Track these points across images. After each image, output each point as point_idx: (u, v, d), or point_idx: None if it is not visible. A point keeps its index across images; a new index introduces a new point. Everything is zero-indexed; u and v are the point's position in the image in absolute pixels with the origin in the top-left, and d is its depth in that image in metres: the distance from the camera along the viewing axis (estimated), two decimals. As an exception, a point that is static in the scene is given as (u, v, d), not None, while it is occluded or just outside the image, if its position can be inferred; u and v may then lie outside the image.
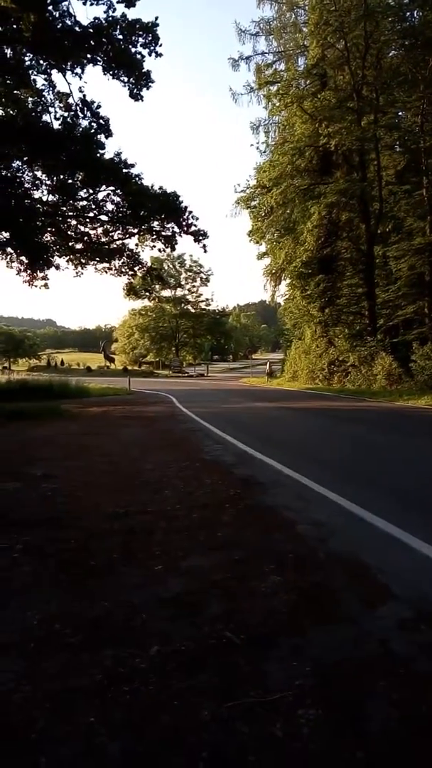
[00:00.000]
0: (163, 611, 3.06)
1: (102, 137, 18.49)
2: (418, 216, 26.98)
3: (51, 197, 19.54)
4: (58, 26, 16.92)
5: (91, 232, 21.08)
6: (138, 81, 18.33)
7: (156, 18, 17.93)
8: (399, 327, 29.05)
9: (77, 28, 17.25)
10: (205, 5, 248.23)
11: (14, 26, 15.96)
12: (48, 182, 19.03)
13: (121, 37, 17.85)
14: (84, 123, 18.55)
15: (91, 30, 17.38)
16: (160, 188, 19.53)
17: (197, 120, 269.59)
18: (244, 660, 2.53)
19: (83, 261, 21.58)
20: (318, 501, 5.37)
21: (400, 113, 29.40)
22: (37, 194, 19.31)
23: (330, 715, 2.14)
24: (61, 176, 18.30)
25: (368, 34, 24.99)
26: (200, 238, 20.80)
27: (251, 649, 2.61)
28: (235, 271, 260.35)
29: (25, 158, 18.05)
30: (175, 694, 2.29)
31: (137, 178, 19.10)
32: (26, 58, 17.77)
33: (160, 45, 18.08)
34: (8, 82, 17.82)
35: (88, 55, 17.71)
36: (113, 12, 17.45)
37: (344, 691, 2.29)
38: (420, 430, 11.50)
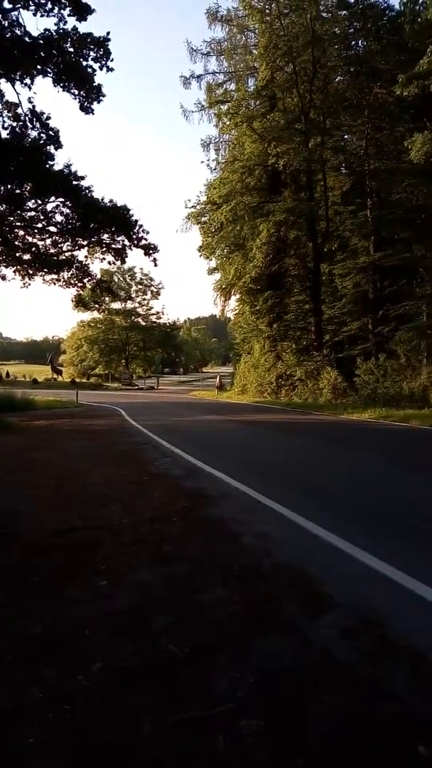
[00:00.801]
0: (107, 627, 3.02)
1: (51, 148, 18.35)
2: (363, 236, 27.87)
3: (-2, 207, 19.18)
4: (7, 35, 16.75)
5: (40, 243, 20.79)
6: (89, 94, 18.32)
7: (108, 33, 18.02)
8: (344, 342, 29.77)
9: (27, 39, 17.13)
10: (158, 22, 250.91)
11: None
12: (-5, 191, 18.69)
13: (72, 49, 17.83)
14: (33, 134, 18.39)
15: (41, 41, 17.30)
16: (111, 201, 19.49)
17: (149, 135, 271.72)
18: (188, 673, 2.53)
19: (31, 272, 21.22)
20: (265, 512, 5.43)
21: (345, 136, 30.40)
22: (-18, 203, 18.93)
23: (272, 725, 2.16)
24: (9, 186, 17.99)
25: (316, 59, 25.78)
26: (151, 251, 20.84)
27: (195, 662, 2.62)
28: (186, 285, 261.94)
29: (-29, 166, 17.69)
30: (117, 710, 2.27)
31: (87, 190, 19.00)
32: (-27, 67, 17.48)
33: (112, 59, 18.15)
34: None
35: (38, 66, 17.59)
36: (64, 24, 17.42)
37: (287, 700, 2.32)
38: (363, 443, 11.79)
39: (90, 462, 8.66)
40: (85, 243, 21.02)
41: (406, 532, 4.77)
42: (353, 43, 28.02)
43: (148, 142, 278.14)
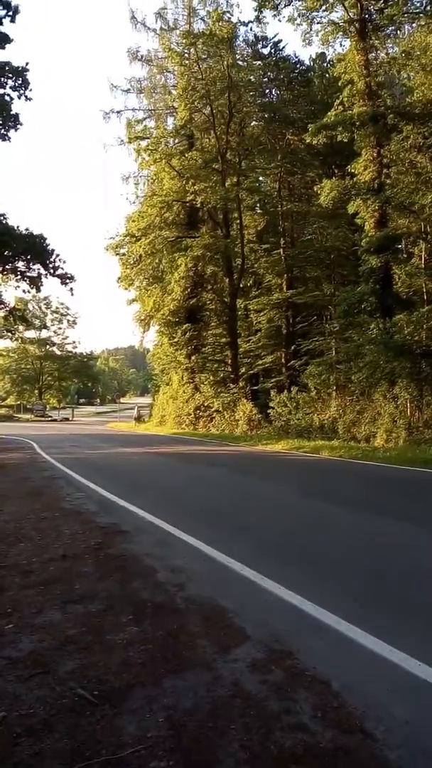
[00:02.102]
0: (12, 673, 2.92)
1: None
2: (276, 273, 29.05)
3: None
4: None
5: None
6: (5, 122, 18.15)
7: (27, 63, 18.03)
8: (259, 375, 30.62)
9: None
10: (80, 55, 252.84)
11: None
12: None
13: (-12, 78, 17.67)
14: None
15: None
16: (27, 229, 19.23)
17: (70, 163, 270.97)
18: (97, 717, 2.48)
19: None
20: (179, 546, 5.43)
21: (260, 178, 31.79)
22: None
23: (182, 765, 2.16)
24: None
25: (232, 104, 26.90)
26: (67, 281, 20.66)
27: (105, 705, 2.58)
28: (105, 315, 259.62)
29: None
30: (22, 761, 2.19)
31: (2, 218, 18.64)
32: None
33: (30, 89, 18.15)
34: None
35: None
36: (-20, 52, 17.26)
37: (197, 737, 2.33)
38: (276, 474, 12.06)
39: (-2, 498, 8.32)
40: (-2, 270, 20.50)
41: (309, 562, 4.94)
42: (267, 91, 29.62)
43: (70, 172, 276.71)
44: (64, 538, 5.76)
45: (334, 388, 20.49)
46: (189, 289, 29.59)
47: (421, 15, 20.18)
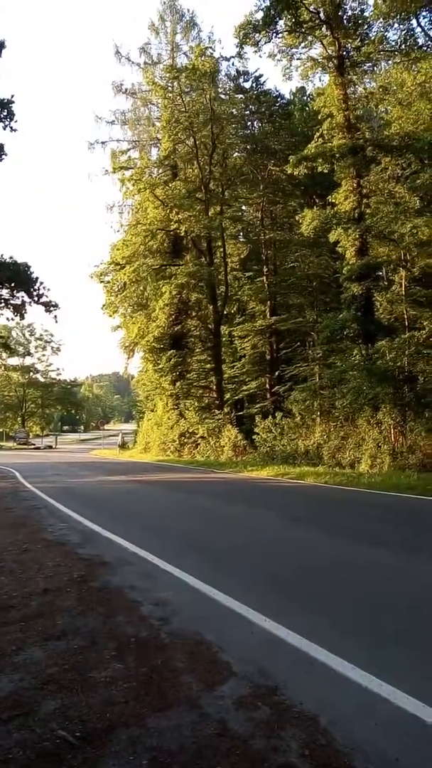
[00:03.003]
0: (-9, 715, 2.83)
1: None
2: (260, 300, 29.35)
3: None
4: None
5: None
6: (-11, 153, 18.35)
7: (12, 96, 18.34)
8: (244, 401, 30.64)
9: None
10: (66, 87, 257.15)
11: None
12: None
13: (-27, 108, 17.90)
14: None
15: None
16: (11, 257, 19.31)
17: (54, 192, 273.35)
18: (80, 761, 2.41)
19: None
20: (163, 578, 5.35)
21: (243, 207, 32.31)
22: None
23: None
24: None
25: (215, 135, 27.48)
26: (51, 308, 20.72)
27: (87, 748, 2.50)
28: (89, 341, 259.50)
29: None
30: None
31: (-14, 246, 18.69)
32: None
33: (16, 121, 18.43)
34: None
35: None
36: (-34, 85, 17.52)
37: (181, 780, 2.27)
38: (261, 502, 11.99)
39: (-21, 530, 8.16)
40: (-19, 298, 20.49)
41: (295, 593, 4.89)
42: (249, 123, 30.29)
43: (54, 200, 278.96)
44: (46, 570, 5.64)
45: (319, 413, 20.55)
46: (173, 316, 29.77)
47: (396, 53, 20.88)
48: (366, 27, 20.61)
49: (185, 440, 28.30)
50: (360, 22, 20.59)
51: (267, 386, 28.58)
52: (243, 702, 2.90)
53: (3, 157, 18.97)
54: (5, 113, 18.26)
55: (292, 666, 3.37)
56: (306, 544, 7.01)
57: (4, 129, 18.48)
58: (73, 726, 2.69)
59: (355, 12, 20.78)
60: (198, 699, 2.94)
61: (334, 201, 20.65)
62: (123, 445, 42.50)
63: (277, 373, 27.73)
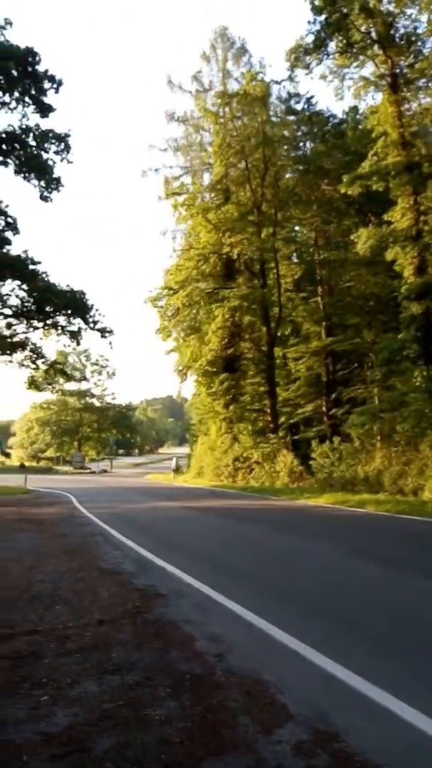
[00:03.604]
0: (47, 750, 2.76)
1: (9, 234, 18.81)
2: (315, 321, 29.03)
3: None
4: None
5: (-7, 325, 20.80)
6: (48, 185, 19.12)
7: (69, 130, 19.09)
8: (300, 424, 30.19)
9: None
10: (120, 117, 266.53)
11: None
12: None
13: (33, 143, 18.72)
14: (-9, 220, 18.86)
15: (3, 135, 18.12)
16: (68, 285, 19.91)
17: (110, 220, 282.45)
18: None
19: (-18, 354, 21.07)
20: (218, 612, 5.22)
21: (296, 228, 32.28)
22: None
23: None
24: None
25: (266, 158, 27.71)
26: (106, 334, 21.15)
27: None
28: (143, 365, 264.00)
29: None
30: None
31: (44, 275, 19.39)
32: None
33: (72, 153, 19.17)
34: None
35: (0, 158, 18.33)
36: (27, 121, 18.39)
37: None
38: (320, 532, 11.65)
39: (36, 555, 8.24)
40: (40, 325, 21.16)
41: (359, 630, 4.65)
42: (301, 144, 30.40)
43: (109, 228, 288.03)
44: (101, 600, 5.61)
45: (378, 438, 19.94)
46: (226, 339, 29.83)
47: (451, 67, 20.54)
48: (419, 43, 20.46)
49: (239, 465, 28.06)
50: (413, 39, 20.45)
51: (323, 409, 28.10)
52: (301, 748, 2.73)
53: (60, 188, 19.68)
54: (62, 146, 19.01)
55: (353, 710, 3.18)
56: (368, 579, 6.71)
57: (61, 161, 19.25)
58: (128, 766, 2.58)
59: (408, 30, 20.67)
60: (254, 743, 2.80)
61: (390, 219, 20.35)
62: (177, 470, 42.53)
63: (333, 396, 27.24)
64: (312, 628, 4.66)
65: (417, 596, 5.76)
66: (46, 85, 18.31)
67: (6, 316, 20.62)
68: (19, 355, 21.79)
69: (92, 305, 20.50)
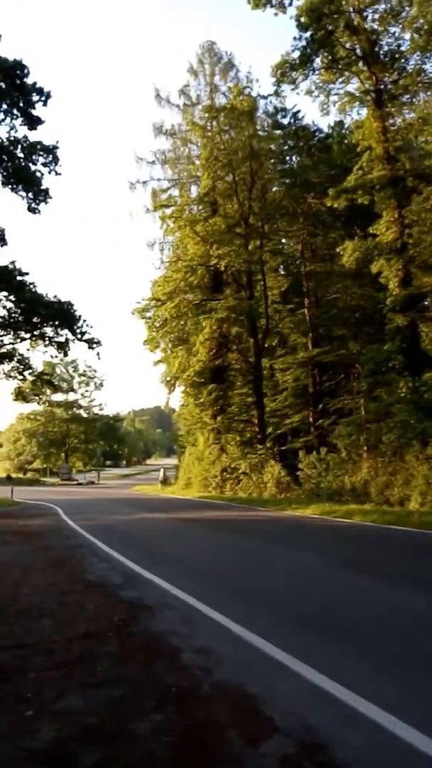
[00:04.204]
0: (31, 766, 2.73)
1: (-3, 245, 18.77)
2: (301, 332, 29.21)
3: None
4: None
5: (-21, 336, 20.69)
6: (36, 196, 19.13)
7: (57, 141, 19.15)
8: (287, 435, 30.24)
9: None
10: (107, 130, 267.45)
11: None
12: None
13: (21, 155, 18.76)
14: (-22, 231, 18.82)
15: (-10, 146, 18.15)
16: (55, 296, 19.88)
17: (97, 232, 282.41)
18: None
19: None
20: (205, 625, 5.19)
21: (283, 240, 32.57)
22: None
23: None
24: None
25: (253, 171, 27.99)
26: (94, 345, 21.11)
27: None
28: (131, 375, 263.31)
29: None
30: None
31: (31, 286, 19.35)
32: None
33: (60, 165, 19.21)
34: None
35: (-12, 169, 18.33)
36: (15, 133, 18.43)
37: None
38: (307, 542, 11.65)
39: (22, 569, 8.16)
40: (27, 336, 21.10)
41: (345, 642, 4.66)
42: (288, 158, 30.77)
43: (96, 239, 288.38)
44: (87, 613, 5.56)
45: (365, 448, 20.04)
46: (214, 350, 29.90)
47: (434, 84, 20.96)
48: (403, 60, 20.84)
49: (227, 476, 28.03)
50: (397, 56, 20.85)
51: (310, 420, 28.19)
52: (287, 761, 2.72)
53: (48, 200, 19.70)
54: (50, 158, 19.06)
55: (340, 723, 3.17)
56: (357, 591, 6.69)
57: (50, 173, 19.30)
58: (113, 784, 2.57)
59: (392, 47, 21.08)
60: (241, 757, 2.79)
61: (375, 232, 20.60)
62: (164, 481, 42.36)
63: (320, 407, 27.36)
64: (299, 639, 4.65)
65: (409, 609, 5.72)
66: (35, 97, 18.38)
67: (-7, 327, 20.55)
68: (5, 366, 21.70)
69: (80, 316, 20.50)
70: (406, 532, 11.90)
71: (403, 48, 20.91)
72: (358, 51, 20.93)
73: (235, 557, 9.69)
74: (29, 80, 18.09)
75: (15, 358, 21.57)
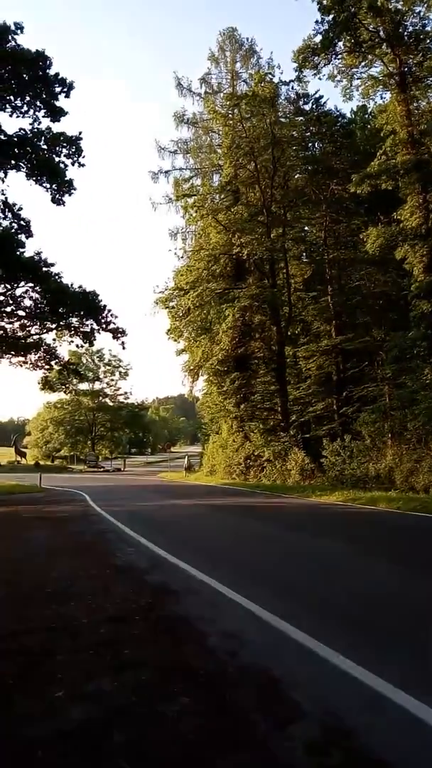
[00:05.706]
0: (60, 746, 2.82)
1: (22, 237, 18.95)
2: (324, 320, 28.94)
3: (-34, 292, 19.51)
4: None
5: (7, 326, 20.98)
6: (60, 188, 19.23)
7: (80, 132, 19.18)
8: (310, 423, 30.11)
9: (2, 137, 18.06)
10: (129, 120, 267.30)
11: None
12: (-37, 277, 19.08)
13: (45, 147, 18.84)
14: (5, 223, 19.01)
15: (15, 139, 18.25)
16: (80, 287, 20.02)
17: (120, 223, 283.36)
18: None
19: (-3, 354, 21.29)
20: (230, 609, 5.25)
21: (305, 228, 32.20)
22: None
23: None
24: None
25: (275, 158, 27.67)
26: (119, 335, 21.25)
27: (154, 787, 2.45)
28: (155, 365, 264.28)
29: None
30: None
31: (57, 276, 19.52)
32: None
33: (84, 156, 19.26)
34: None
35: (12, 162, 18.45)
36: (39, 125, 18.51)
37: None
38: (330, 529, 11.65)
39: (50, 553, 8.35)
40: (53, 326, 21.34)
41: (372, 630, 4.68)
42: (310, 144, 30.32)
43: (119, 230, 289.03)
44: (114, 597, 5.67)
45: (390, 435, 19.88)
46: (237, 339, 29.83)
47: (460, 65, 20.44)
48: (428, 41, 20.33)
49: (251, 463, 28.08)
50: (421, 37, 20.34)
51: (334, 407, 28.00)
52: (313, 746, 2.76)
53: (72, 191, 19.79)
54: (74, 149, 19.10)
55: (367, 708, 3.20)
56: (381, 577, 6.69)
57: (73, 165, 19.35)
58: (140, 762, 2.64)
59: (416, 28, 20.57)
60: (267, 741, 2.84)
61: (399, 217, 20.27)
62: (189, 468, 42.63)
63: (344, 394, 27.15)
64: (324, 625, 4.67)
65: None
66: (57, 88, 18.41)
67: (20, 318, 20.83)
68: (33, 356, 22.01)
69: (105, 306, 20.62)
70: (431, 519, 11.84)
71: (428, 28, 20.40)
72: (381, 33, 20.47)
73: (260, 543, 9.74)
74: (51, 71, 18.14)
75: (42, 348, 21.86)
